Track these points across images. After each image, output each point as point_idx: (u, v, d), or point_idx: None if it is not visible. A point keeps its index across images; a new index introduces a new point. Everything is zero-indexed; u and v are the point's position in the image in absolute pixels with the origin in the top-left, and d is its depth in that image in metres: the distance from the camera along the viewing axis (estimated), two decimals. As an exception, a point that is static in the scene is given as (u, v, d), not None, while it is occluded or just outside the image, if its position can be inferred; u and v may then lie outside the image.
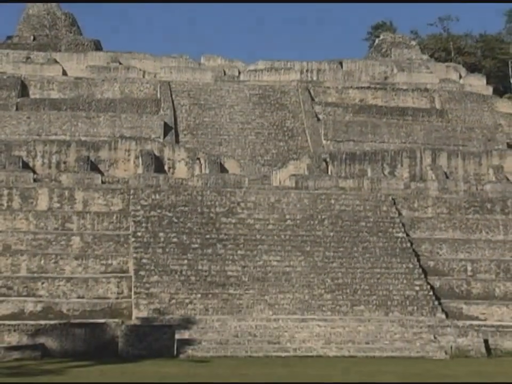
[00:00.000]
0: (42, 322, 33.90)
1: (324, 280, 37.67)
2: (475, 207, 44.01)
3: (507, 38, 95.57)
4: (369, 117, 54.40)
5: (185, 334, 32.96)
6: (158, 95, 55.37)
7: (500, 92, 71.98)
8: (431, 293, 37.54)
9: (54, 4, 65.55)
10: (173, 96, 55.08)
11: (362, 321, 35.05)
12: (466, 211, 43.78)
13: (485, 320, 37.21)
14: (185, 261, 37.97)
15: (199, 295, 36.14)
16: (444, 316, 36.31)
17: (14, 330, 32.83)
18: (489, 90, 61.73)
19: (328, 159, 47.25)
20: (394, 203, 43.13)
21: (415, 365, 29.54)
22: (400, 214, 42.64)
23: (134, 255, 38.04)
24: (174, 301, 35.65)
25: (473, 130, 53.85)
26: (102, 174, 45.27)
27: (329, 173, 46.36)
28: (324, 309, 36.08)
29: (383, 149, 49.41)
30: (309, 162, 46.53)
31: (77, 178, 43.74)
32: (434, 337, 34.14)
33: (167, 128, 51.42)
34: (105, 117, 51.40)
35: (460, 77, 62.66)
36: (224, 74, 59.98)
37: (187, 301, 35.77)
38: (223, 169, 46.46)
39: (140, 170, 45.32)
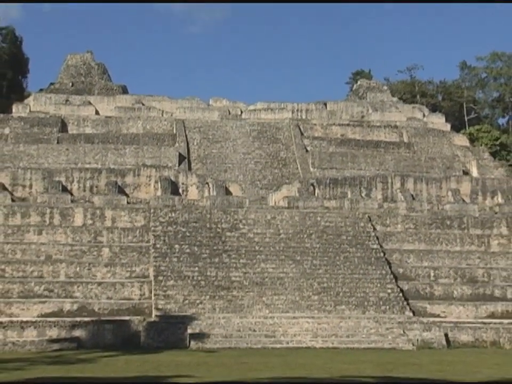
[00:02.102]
0: (78, 319, 33.97)
1: (311, 284, 37.68)
2: (437, 223, 44.05)
3: (462, 84, 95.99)
4: (349, 149, 54.53)
5: (196, 329, 33.00)
6: (174, 131, 55.57)
7: (456, 128, 72.05)
8: (400, 294, 37.57)
9: (89, 56, 65.87)
10: (186, 131, 55.29)
11: (343, 318, 35.05)
12: (429, 226, 43.81)
13: (445, 317, 37.20)
14: (196, 268, 37.99)
15: (207, 297, 36.16)
16: (411, 314, 36.32)
17: (54, 326, 32.82)
18: (448, 127, 61.91)
19: (315, 184, 47.35)
20: (370, 220, 43.16)
21: (387, 355, 29.55)
22: (374, 229, 42.66)
23: (154, 263, 38.08)
24: (186, 301, 35.65)
25: (435, 160, 53.98)
26: (127, 196, 45.37)
27: (316, 195, 46.45)
28: (311, 308, 36.10)
29: (360, 175, 49.49)
30: (299, 186, 46.62)
31: (106, 199, 43.83)
32: (403, 332, 34.13)
33: (181, 158, 51.56)
34: (130, 148, 51.59)
35: (424, 115, 62.85)
36: (229, 113, 60.16)
37: (198, 301, 35.77)
38: (227, 192, 46.50)
39: (158, 193, 45.41)
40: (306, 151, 54.05)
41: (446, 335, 34.57)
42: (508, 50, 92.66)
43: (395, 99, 67.56)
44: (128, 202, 44.06)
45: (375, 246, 40.91)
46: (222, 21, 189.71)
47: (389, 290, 37.61)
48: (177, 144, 53.43)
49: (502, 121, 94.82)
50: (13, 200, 43.33)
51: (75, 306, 35.40)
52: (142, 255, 39.16)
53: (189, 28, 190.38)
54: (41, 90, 67.62)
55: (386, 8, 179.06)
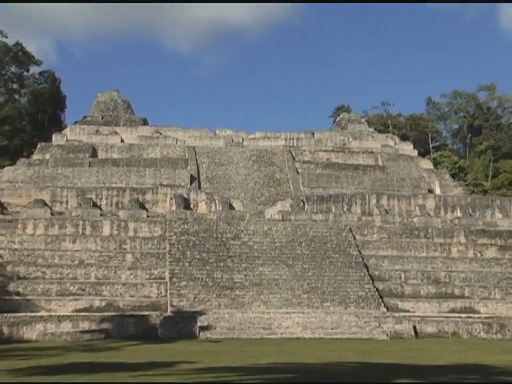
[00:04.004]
0: (106, 314, 33.83)
1: (301, 285, 37.61)
2: (406, 233, 44.06)
3: (427, 117, 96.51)
4: (333, 171, 54.71)
5: (205, 322, 32.90)
6: (186, 156, 55.75)
7: (422, 154, 72.45)
8: (376, 293, 37.50)
9: (115, 93, 66.19)
10: (197, 156, 55.47)
11: (328, 313, 34.97)
12: (400, 236, 43.83)
13: (414, 312, 37.09)
14: (205, 271, 37.93)
15: (214, 295, 36.07)
16: (385, 309, 36.26)
17: (86, 319, 32.75)
18: (415, 153, 62.13)
19: (304, 200, 47.40)
20: (351, 230, 43.17)
21: (365, 344, 29.47)
22: (354, 238, 42.66)
23: (169, 267, 38.04)
24: (196, 299, 35.57)
25: (405, 180, 54.16)
26: (147, 210, 45.37)
27: (305, 209, 46.47)
28: (302, 304, 36.03)
29: (343, 193, 49.58)
30: (291, 202, 46.66)
31: (130, 213, 43.87)
32: (379, 325, 34.05)
33: (192, 179, 51.71)
34: (150, 171, 51.71)
35: (395, 143, 63.12)
36: (232, 141, 60.43)
37: (206, 299, 35.69)
38: (231, 207, 46.58)
39: (173, 208, 45.46)
40: (297, 172, 54.26)
41: (414, 327, 34.48)
42: (467, 90, 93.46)
43: (371, 129, 67.88)
44: (147, 216, 44.08)
45: (355, 253, 40.91)
46: (224, 63, 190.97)
47: (367, 290, 37.57)
48: (189, 167, 53.60)
49: (460, 148, 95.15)
50: (52, 214, 43.39)
51: (103, 303, 35.32)
52: (159, 260, 39.13)
53: (196, 70, 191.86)
54: (76, 122, 67.91)
55: (364, 54, 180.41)
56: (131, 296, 36.25)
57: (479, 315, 37.05)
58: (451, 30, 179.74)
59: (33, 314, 33.33)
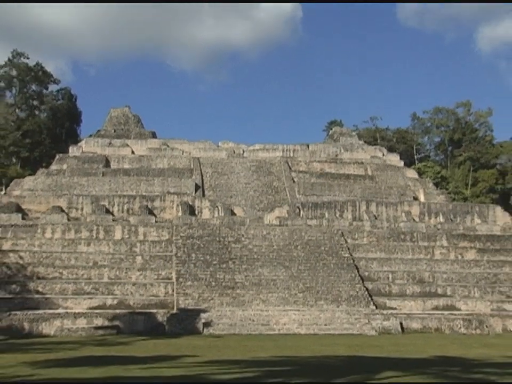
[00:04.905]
0: (117, 311, 33.83)
1: (297, 284, 37.60)
2: (393, 237, 44.09)
3: (412, 131, 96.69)
4: (326, 180, 54.68)
5: (208, 319, 32.89)
6: (192, 166, 55.73)
7: (408, 165, 72.37)
8: (366, 292, 37.50)
9: (127, 109, 66.11)
10: (201, 166, 55.44)
11: (322, 311, 34.96)
12: (388, 240, 43.85)
13: (400, 310, 37.10)
14: (208, 272, 37.91)
15: (217, 294, 36.06)
16: (374, 307, 36.24)
17: (99, 316, 32.74)
18: (401, 163, 62.11)
19: (300, 207, 47.46)
20: (343, 235, 43.20)
21: (356, 339, 29.50)
22: (346, 241, 42.68)
23: (176, 268, 38.04)
24: (201, 298, 35.56)
25: (392, 189, 54.14)
26: (155, 216, 45.40)
27: (301, 215, 46.52)
28: (297, 303, 36.01)
29: (335, 200, 49.56)
30: (288, 209, 46.73)
31: (139, 219, 43.89)
32: (368, 321, 34.05)
33: (197, 187, 51.63)
34: (158, 180, 51.66)
35: (383, 155, 63.12)
36: (234, 152, 60.41)
37: (209, 298, 35.68)
38: (232, 213, 46.61)
39: (179, 214, 45.43)
40: (294, 181, 54.25)
41: (401, 323, 34.50)
42: (447, 106, 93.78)
43: (361, 142, 67.87)
44: (156, 221, 44.10)
45: (346, 255, 40.91)
46: (225, 81, 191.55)
47: (357, 289, 37.56)
48: (194, 176, 53.58)
49: (442, 159, 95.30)
50: (68, 220, 43.41)
51: (115, 301, 35.31)
52: (166, 262, 39.12)
53: (199, 87, 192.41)
54: (90, 135, 68.09)
55: (355, 73, 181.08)
56: (140, 295, 36.24)
57: (460, 312, 37.06)
58: (433, 51, 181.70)
59: (51, 311, 33.35)
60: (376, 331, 33.07)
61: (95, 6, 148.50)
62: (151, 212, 45.93)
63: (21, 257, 38.29)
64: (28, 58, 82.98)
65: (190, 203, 46.93)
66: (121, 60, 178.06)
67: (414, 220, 47.83)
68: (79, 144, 61.32)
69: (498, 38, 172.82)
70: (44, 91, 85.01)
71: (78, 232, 41.22)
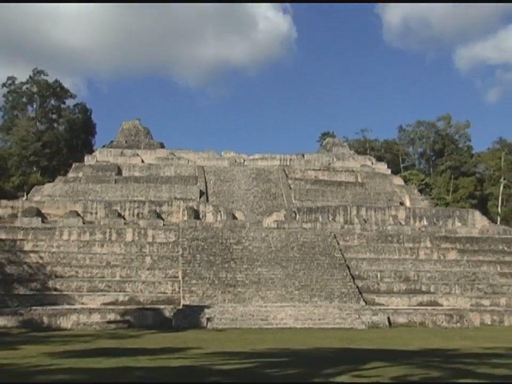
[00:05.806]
0: (128, 307, 33.84)
1: (293, 283, 37.60)
2: (381, 239, 44.13)
3: (398, 142, 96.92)
4: (320, 187, 54.73)
5: (212, 314, 32.85)
6: (196, 174, 55.80)
7: (394, 172, 72.38)
8: (356, 290, 37.49)
9: (137, 122, 66.14)
10: (205, 174, 55.52)
11: (316, 307, 34.92)
12: (376, 241, 43.88)
13: (388, 305, 37.08)
14: (212, 271, 37.93)
15: (220, 292, 36.06)
16: (364, 303, 36.22)
17: (112, 312, 32.72)
18: (389, 171, 62.15)
19: (296, 211, 47.54)
20: (335, 237, 43.22)
21: (347, 332, 29.45)
22: (338, 243, 42.71)
23: (182, 267, 38.05)
24: (205, 295, 35.56)
25: (380, 195, 54.23)
26: (163, 220, 45.42)
27: (297, 219, 46.59)
28: (293, 299, 36.00)
29: (328, 205, 49.67)
30: (285, 213, 46.81)
31: (149, 222, 43.89)
32: (359, 316, 33.99)
33: (201, 193, 51.68)
34: (166, 186, 51.72)
35: (372, 163, 63.20)
36: (235, 161, 60.46)
37: (212, 295, 35.68)
38: (234, 217, 46.65)
39: (185, 218, 45.47)
40: (290, 188, 54.32)
41: (388, 318, 34.42)
42: (428, 119, 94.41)
43: (352, 152, 67.99)
44: (164, 225, 44.08)
45: (338, 255, 40.93)
46: (227, 96, 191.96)
47: (348, 287, 37.55)
48: (198, 183, 53.65)
49: (426, 168, 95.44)
50: (83, 223, 43.42)
51: (126, 298, 35.31)
52: (173, 262, 39.14)
53: (202, 101, 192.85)
54: (104, 146, 68.24)
55: (346, 89, 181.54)
56: (149, 292, 36.25)
57: (442, 308, 37.04)
58: (416, 70, 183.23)
59: (68, 307, 33.37)
60: (365, 325, 33.04)
61: (108, 31, 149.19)
62: (159, 216, 45.95)
63: (40, 257, 38.34)
64: (47, 75, 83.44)
65: (195, 208, 46.98)
66: (131, 77, 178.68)
67: (400, 223, 47.89)
68: (93, 154, 61.40)
69: (474, 58, 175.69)
70: (62, 106, 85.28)
71: (92, 234, 41.24)
